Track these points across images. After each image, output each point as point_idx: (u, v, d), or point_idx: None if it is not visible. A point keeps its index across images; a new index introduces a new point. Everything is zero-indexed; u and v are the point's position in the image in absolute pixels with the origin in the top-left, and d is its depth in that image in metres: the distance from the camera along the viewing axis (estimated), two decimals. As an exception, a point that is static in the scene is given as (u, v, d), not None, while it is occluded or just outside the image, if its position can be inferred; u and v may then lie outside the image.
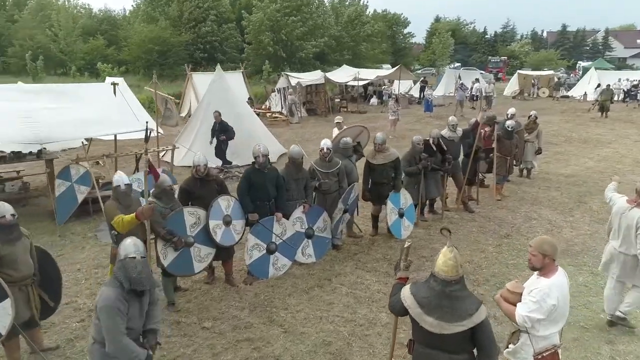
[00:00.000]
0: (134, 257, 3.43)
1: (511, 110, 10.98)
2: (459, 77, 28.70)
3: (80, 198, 8.27)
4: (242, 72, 22.22)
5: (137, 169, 9.24)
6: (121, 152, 9.36)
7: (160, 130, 9.34)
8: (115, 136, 9.81)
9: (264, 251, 6.24)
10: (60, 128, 7.83)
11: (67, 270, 6.34)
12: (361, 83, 24.61)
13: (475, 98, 24.03)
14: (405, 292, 3.17)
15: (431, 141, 8.16)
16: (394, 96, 17.40)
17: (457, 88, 23.84)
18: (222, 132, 11.46)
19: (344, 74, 25.13)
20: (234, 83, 21.38)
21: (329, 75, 22.23)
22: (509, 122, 9.63)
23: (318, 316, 5.38)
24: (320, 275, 6.39)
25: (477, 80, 27.22)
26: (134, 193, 5.40)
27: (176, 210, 5.48)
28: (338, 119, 10.46)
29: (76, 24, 41.76)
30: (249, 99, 20.29)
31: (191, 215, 5.63)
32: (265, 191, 6.19)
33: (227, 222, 5.91)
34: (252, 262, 6.16)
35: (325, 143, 7.00)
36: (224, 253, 6.00)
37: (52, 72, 37.88)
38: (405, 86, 28.78)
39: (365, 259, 6.90)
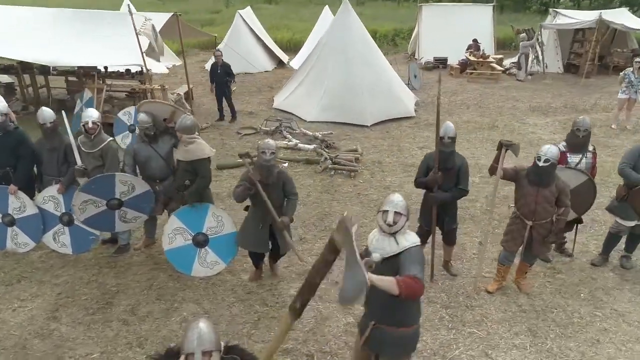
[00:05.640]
0: None
1: (582, 123, 4.92)
2: None
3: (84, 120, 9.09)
4: (493, 5, 17.44)
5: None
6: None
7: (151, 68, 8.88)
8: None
9: (-2, 221, 5.51)
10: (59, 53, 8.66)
11: None
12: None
13: None
14: None
15: None
16: (638, 61, 9.96)
17: None
18: (227, 76, 9.81)
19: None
20: (478, 19, 17.29)
21: (609, 16, 14.33)
22: (544, 150, 4.33)
23: None
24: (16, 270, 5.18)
25: None
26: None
27: None
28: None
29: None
30: (473, 40, 16.05)
31: None
32: (-6, 158, 5.31)
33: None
34: (-22, 229, 5.57)
35: (92, 115, 5.18)
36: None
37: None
38: None
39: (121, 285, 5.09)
